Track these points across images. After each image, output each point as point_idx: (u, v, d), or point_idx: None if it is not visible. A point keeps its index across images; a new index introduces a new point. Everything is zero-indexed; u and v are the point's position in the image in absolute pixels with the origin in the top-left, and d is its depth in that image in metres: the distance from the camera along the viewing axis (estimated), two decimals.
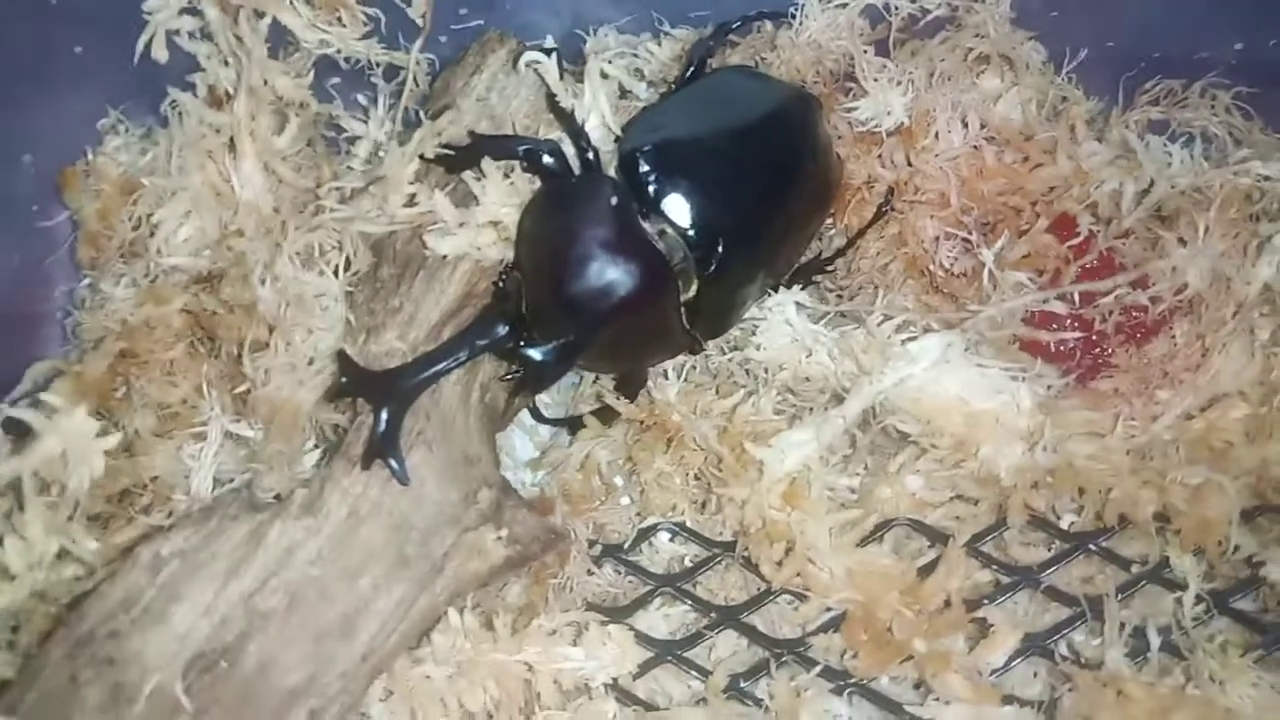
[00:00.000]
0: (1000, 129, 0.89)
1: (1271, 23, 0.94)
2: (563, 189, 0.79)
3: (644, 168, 0.78)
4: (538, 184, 0.81)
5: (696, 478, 0.86)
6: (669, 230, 0.78)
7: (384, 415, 0.74)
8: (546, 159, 0.79)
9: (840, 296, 0.92)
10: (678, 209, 0.78)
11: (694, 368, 0.91)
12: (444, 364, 0.76)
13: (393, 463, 0.74)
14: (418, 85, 0.95)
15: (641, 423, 0.87)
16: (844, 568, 0.78)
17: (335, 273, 0.81)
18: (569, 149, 0.81)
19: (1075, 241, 0.86)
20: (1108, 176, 0.86)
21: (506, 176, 0.81)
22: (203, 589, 0.73)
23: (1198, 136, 0.95)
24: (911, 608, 0.78)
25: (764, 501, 0.79)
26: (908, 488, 0.85)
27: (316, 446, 0.85)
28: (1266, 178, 0.86)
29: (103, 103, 0.96)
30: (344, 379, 0.76)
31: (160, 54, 0.89)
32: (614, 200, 0.77)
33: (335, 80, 0.98)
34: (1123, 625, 0.81)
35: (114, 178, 0.92)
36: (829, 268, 0.92)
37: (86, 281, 0.94)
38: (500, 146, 0.81)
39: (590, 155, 0.81)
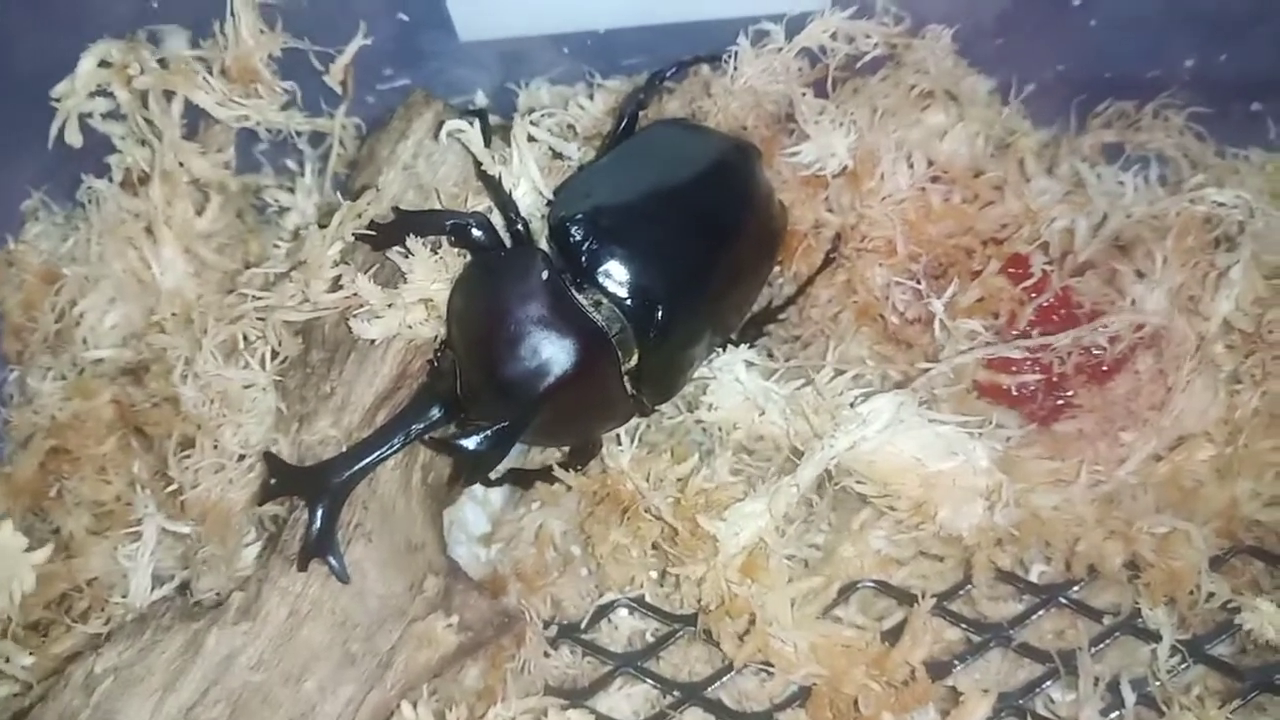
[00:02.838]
0: (947, 166, 0.86)
1: (1221, 38, 0.92)
2: (491, 264, 0.76)
3: (575, 237, 0.75)
4: (468, 256, 0.78)
5: (654, 548, 0.83)
6: (605, 300, 0.75)
7: (318, 512, 0.71)
8: (474, 232, 0.76)
9: (793, 345, 0.89)
10: (613, 277, 0.75)
11: (649, 427, 0.88)
12: (378, 453, 0.73)
13: (331, 560, 0.72)
14: (345, 150, 0.93)
15: (594, 494, 0.84)
16: (807, 641, 0.76)
17: (261, 363, 0.78)
18: (498, 219, 0.78)
19: (1029, 282, 0.83)
20: (1059, 214, 0.83)
21: (434, 252, 0.77)
22: (139, 706, 0.71)
23: (1152, 160, 0.93)
24: (878, 680, 0.75)
25: (721, 577, 0.76)
26: (871, 546, 0.83)
27: (257, 539, 0.82)
28: (1221, 204, 0.83)
29: (24, 186, 0.93)
30: (272, 480, 0.73)
31: (74, 139, 0.86)
32: (544, 274, 0.74)
33: (263, 147, 0.96)
34: (1097, 679, 0.79)
35: (36, 266, 0.89)
36: (780, 317, 0.89)
37: (14, 375, 0.91)
38: (426, 222, 0.77)
39: (520, 226, 0.77)
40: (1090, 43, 0.93)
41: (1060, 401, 0.84)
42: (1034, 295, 0.84)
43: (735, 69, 0.86)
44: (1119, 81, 0.95)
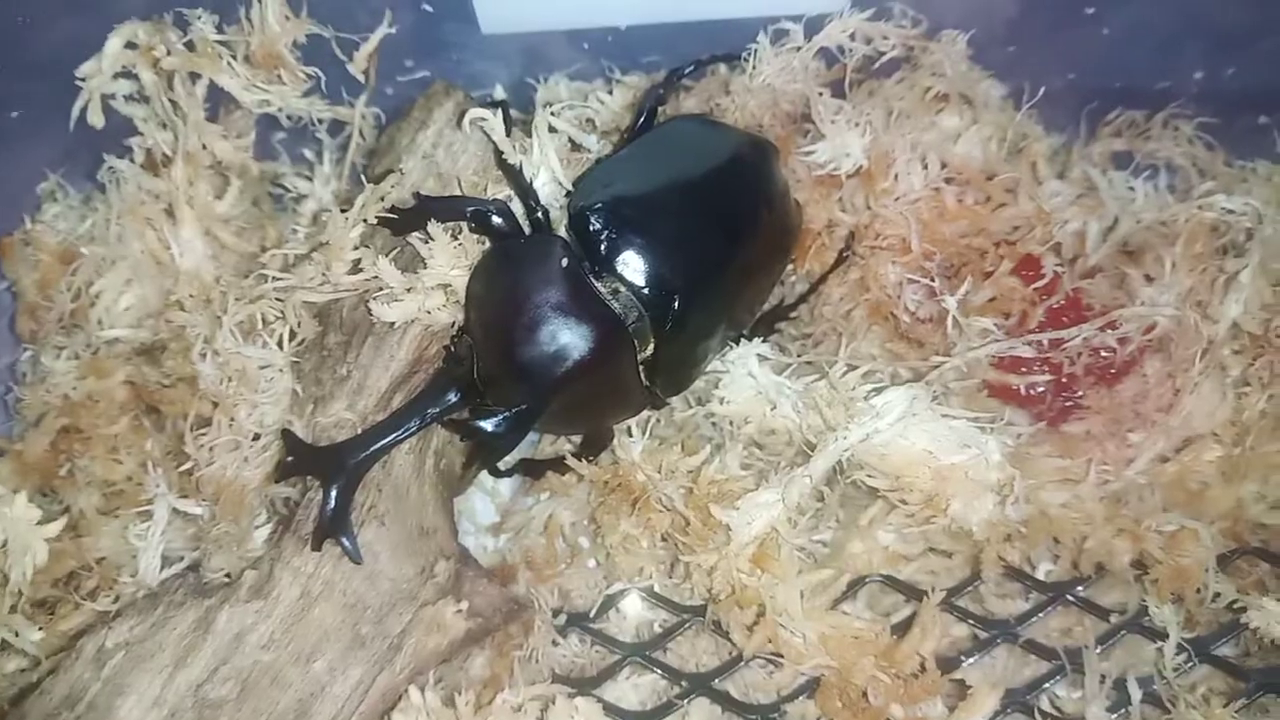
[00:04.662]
0: (961, 168, 0.87)
1: (1229, 52, 0.93)
2: (511, 250, 0.77)
3: (595, 225, 0.76)
4: (487, 243, 0.79)
5: (664, 539, 0.84)
6: (622, 289, 0.75)
7: (333, 492, 0.71)
8: (495, 219, 0.77)
9: (805, 343, 0.90)
10: (631, 267, 0.75)
11: (659, 421, 0.89)
12: (394, 436, 0.73)
13: (344, 541, 0.72)
14: (364, 139, 0.93)
15: (605, 483, 0.84)
16: (816, 633, 0.76)
17: (279, 343, 0.78)
18: (518, 207, 0.79)
19: (1041, 283, 0.84)
20: (1071, 216, 0.84)
21: (454, 238, 0.78)
22: (150, 681, 0.71)
23: (1162, 168, 0.94)
24: (887, 672, 0.75)
25: (732, 566, 0.76)
26: (880, 541, 0.83)
27: (268, 521, 0.82)
28: (1230, 211, 0.84)
29: (41, 168, 0.93)
30: (290, 458, 0.73)
31: (96, 120, 0.86)
32: (564, 261, 0.74)
33: (281, 135, 0.96)
34: (1103, 677, 0.79)
35: (52, 246, 0.89)
36: (792, 314, 0.89)
37: (27, 354, 0.91)
38: (446, 207, 0.78)
39: (539, 214, 0.78)
40: (1101, 53, 0.95)
41: (1069, 403, 0.85)
42: (1045, 296, 0.84)
43: (754, 67, 0.87)
44: (1129, 91, 0.96)
